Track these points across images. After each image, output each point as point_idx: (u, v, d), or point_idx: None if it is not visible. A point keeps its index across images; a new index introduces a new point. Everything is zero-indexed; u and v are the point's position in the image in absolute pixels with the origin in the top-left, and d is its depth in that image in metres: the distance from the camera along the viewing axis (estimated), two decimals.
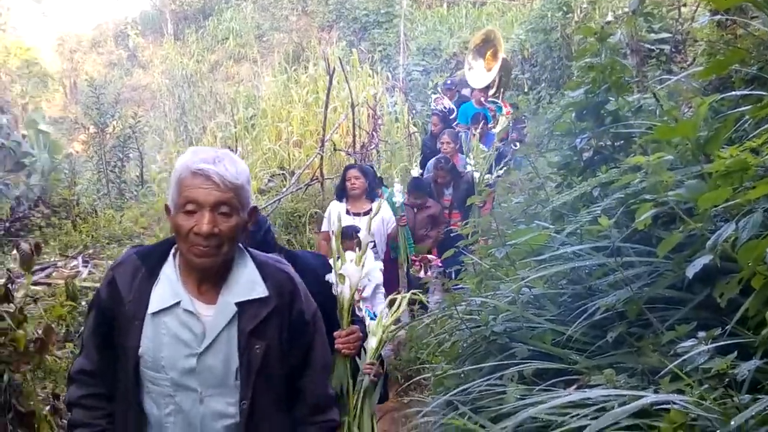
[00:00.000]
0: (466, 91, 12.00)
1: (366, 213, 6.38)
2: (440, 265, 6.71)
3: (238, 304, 2.21)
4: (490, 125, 9.47)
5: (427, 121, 11.02)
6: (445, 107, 10.94)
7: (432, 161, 8.14)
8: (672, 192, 2.23)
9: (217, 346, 2.18)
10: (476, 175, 7.55)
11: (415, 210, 7.37)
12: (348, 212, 6.43)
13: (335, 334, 2.71)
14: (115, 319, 2.22)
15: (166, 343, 2.18)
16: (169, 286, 2.22)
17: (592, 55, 3.56)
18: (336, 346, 2.70)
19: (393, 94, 16.52)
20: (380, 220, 6.58)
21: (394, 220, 6.91)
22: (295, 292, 2.30)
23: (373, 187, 6.59)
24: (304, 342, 2.33)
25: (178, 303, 2.20)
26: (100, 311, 2.28)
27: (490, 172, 7.61)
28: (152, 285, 2.22)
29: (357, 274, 2.76)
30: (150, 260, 2.26)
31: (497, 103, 9.95)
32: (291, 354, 2.29)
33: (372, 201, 6.52)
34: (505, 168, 7.59)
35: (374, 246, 6.35)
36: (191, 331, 2.18)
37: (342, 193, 6.66)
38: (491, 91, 10.77)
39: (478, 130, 8.73)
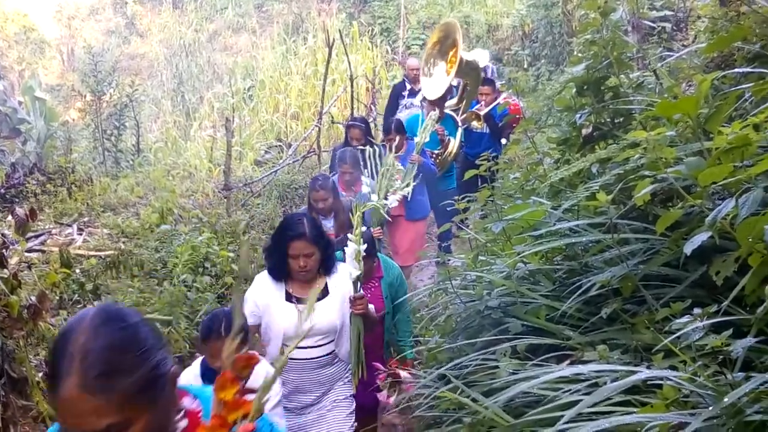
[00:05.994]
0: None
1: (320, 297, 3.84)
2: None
3: None
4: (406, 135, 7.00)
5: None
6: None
7: (311, 181, 6.18)
8: (671, 169, 2.21)
9: None
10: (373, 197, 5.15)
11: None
12: (289, 297, 3.94)
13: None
14: None
15: None
16: None
17: (594, 31, 3.53)
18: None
19: (392, 68, 16.44)
20: (340, 299, 3.99)
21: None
22: None
23: (331, 257, 4.04)
24: None
25: None
26: None
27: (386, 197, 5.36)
28: None
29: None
30: None
31: (453, 118, 7.39)
32: None
33: (328, 274, 4.01)
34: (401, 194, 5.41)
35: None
36: None
37: (279, 272, 3.98)
38: (451, 101, 8.12)
39: (395, 143, 6.46)
